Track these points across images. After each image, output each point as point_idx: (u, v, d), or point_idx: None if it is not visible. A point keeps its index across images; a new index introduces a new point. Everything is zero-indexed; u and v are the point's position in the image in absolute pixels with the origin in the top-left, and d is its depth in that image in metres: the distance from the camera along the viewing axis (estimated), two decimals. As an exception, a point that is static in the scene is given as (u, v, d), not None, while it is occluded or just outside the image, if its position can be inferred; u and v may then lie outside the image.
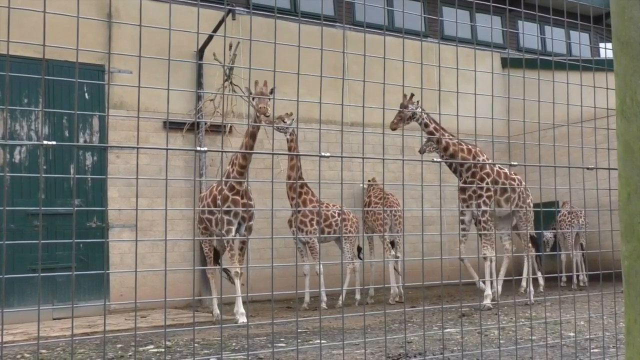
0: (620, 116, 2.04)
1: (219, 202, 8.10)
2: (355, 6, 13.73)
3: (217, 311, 8.47)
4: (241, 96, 6.73)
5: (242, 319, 7.82)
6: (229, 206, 8.02)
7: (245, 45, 9.51)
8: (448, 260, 11.44)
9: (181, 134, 11.35)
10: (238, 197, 8.14)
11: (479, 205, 9.07)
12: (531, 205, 9.87)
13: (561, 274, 11.88)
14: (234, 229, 8.20)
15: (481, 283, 9.14)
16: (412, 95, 9.00)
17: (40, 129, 10.18)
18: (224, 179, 8.25)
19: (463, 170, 9.23)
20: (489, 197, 9.16)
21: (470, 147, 9.30)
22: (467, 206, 9.13)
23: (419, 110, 8.94)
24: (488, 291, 9.02)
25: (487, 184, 9.10)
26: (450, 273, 11.25)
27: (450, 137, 9.18)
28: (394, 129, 9.00)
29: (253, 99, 7.57)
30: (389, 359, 5.31)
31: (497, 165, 9.34)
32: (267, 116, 7.60)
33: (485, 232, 9.12)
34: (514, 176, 9.73)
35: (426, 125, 9.14)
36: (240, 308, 8.03)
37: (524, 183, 9.62)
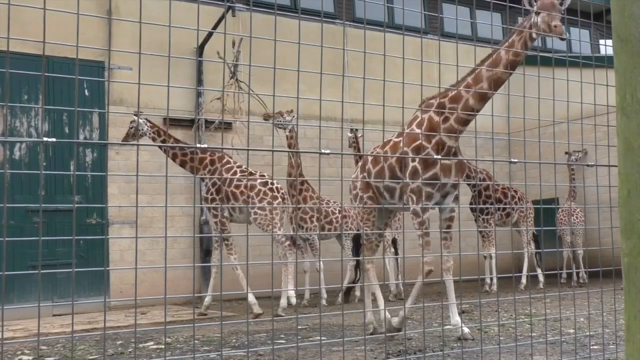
0: (620, 113, 2.04)
1: (415, 165, 5.76)
2: (355, 3, 13.72)
3: (393, 319, 6.06)
4: (248, 93, 6.44)
5: (466, 329, 5.86)
6: (433, 176, 5.71)
7: (245, 42, 9.50)
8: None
9: (182, 131, 11.35)
10: (448, 162, 5.84)
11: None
12: (264, 203, 8.57)
13: (561, 271, 11.89)
14: (431, 204, 5.97)
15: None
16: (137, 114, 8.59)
17: (40, 126, 10.17)
18: (419, 130, 5.85)
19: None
20: (206, 199, 8.92)
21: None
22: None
23: (142, 122, 8.51)
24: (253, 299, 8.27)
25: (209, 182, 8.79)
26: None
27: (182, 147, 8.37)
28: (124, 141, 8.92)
29: (537, 14, 5.50)
30: (389, 355, 5.32)
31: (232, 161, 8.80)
32: (563, 39, 5.52)
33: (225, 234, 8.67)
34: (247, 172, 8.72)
35: (154, 140, 8.66)
36: (455, 315, 5.94)
37: (261, 180, 8.65)
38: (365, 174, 6.43)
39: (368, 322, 6.40)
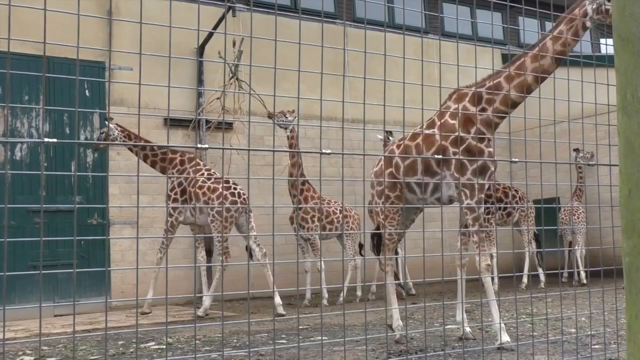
0: (621, 112, 2.04)
1: (458, 159, 5.41)
2: (355, 3, 13.71)
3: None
4: (249, 93, 6.43)
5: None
6: (483, 166, 5.41)
7: (246, 42, 9.50)
8: (449, 256, 11.45)
9: (182, 132, 11.35)
10: (492, 150, 5.51)
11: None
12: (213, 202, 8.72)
13: (562, 270, 11.88)
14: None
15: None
16: (108, 119, 8.93)
17: (41, 126, 10.18)
18: (453, 121, 5.53)
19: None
20: (168, 197, 9.09)
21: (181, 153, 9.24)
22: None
23: (112, 127, 8.83)
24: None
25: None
26: (452, 269, 11.24)
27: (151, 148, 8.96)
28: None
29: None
30: (391, 355, 5.32)
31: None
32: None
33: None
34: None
35: (129, 138, 8.95)
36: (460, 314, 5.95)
37: (210, 186, 8.80)
38: (392, 169, 6.00)
39: (395, 327, 5.96)
